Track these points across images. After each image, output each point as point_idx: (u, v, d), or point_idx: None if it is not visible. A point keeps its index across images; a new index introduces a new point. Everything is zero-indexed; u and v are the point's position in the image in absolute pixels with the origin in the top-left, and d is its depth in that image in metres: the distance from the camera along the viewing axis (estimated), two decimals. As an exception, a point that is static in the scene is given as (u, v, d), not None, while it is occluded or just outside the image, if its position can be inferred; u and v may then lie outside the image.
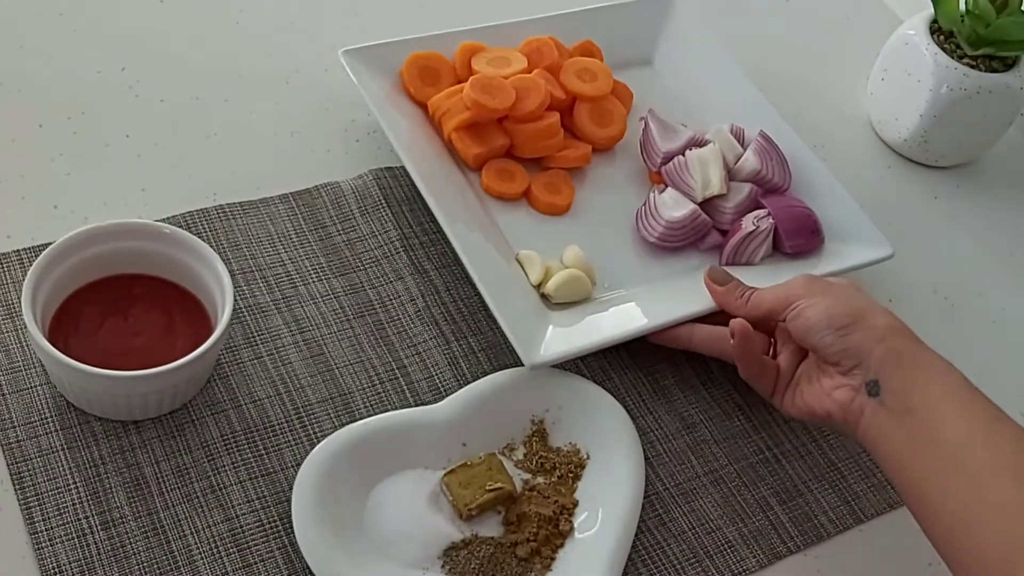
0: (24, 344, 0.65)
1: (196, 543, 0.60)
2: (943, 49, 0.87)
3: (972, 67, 0.86)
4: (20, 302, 0.60)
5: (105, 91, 0.81)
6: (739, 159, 0.81)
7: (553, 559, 0.63)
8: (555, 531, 0.63)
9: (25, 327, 0.60)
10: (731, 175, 0.80)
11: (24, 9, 0.84)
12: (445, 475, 0.64)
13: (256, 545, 0.60)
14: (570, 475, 0.66)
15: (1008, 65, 0.88)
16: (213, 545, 0.60)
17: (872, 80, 0.94)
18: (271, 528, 0.61)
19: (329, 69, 0.85)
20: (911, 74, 0.89)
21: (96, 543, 0.59)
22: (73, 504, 0.60)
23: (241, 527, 0.61)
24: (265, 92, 0.84)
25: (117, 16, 0.86)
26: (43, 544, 0.58)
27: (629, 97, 0.86)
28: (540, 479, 0.66)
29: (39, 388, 0.63)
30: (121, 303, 0.65)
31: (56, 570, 0.57)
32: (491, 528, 0.63)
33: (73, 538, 0.58)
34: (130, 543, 0.59)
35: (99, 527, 0.59)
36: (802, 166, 0.83)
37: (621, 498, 0.65)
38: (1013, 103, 0.88)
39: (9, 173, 0.74)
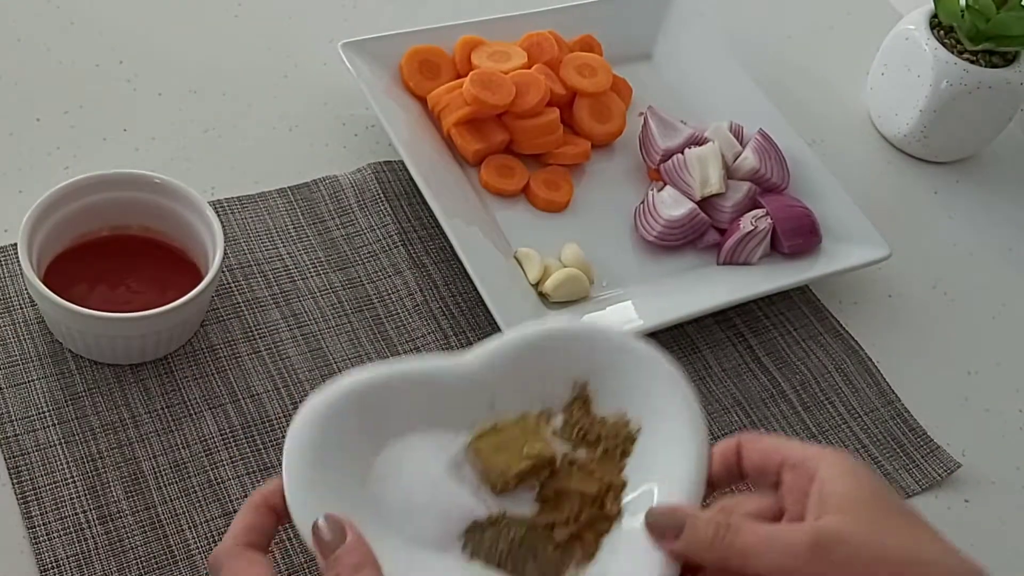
0: (22, 338, 0.65)
1: (194, 538, 0.60)
2: (943, 44, 0.87)
3: (972, 62, 0.86)
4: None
5: (103, 84, 0.80)
6: (738, 157, 0.81)
7: (597, 547, 0.51)
8: (600, 513, 0.52)
9: (25, 279, 0.61)
10: (730, 173, 0.80)
11: (21, 2, 0.84)
12: (473, 439, 0.53)
13: (254, 540, 0.61)
14: (617, 449, 0.53)
15: (1008, 60, 0.87)
16: (211, 540, 0.60)
17: (872, 75, 0.94)
18: (269, 523, 0.61)
19: (328, 63, 0.84)
20: (911, 69, 0.89)
21: (94, 537, 0.59)
22: (71, 499, 0.60)
23: (239, 522, 0.61)
24: (263, 86, 0.84)
25: (115, 9, 0.86)
26: (41, 539, 0.58)
27: (628, 92, 0.86)
28: (581, 452, 0.53)
29: (37, 382, 0.63)
30: (114, 268, 0.67)
31: (54, 564, 0.57)
32: (522, 505, 0.52)
33: (71, 532, 0.58)
34: (128, 538, 0.59)
35: (97, 522, 0.59)
36: (801, 164, 0.82)
37: (679, 478, 0.51)
38: (1013, 98, 0.88)
39: (7, 166, 0.74)
